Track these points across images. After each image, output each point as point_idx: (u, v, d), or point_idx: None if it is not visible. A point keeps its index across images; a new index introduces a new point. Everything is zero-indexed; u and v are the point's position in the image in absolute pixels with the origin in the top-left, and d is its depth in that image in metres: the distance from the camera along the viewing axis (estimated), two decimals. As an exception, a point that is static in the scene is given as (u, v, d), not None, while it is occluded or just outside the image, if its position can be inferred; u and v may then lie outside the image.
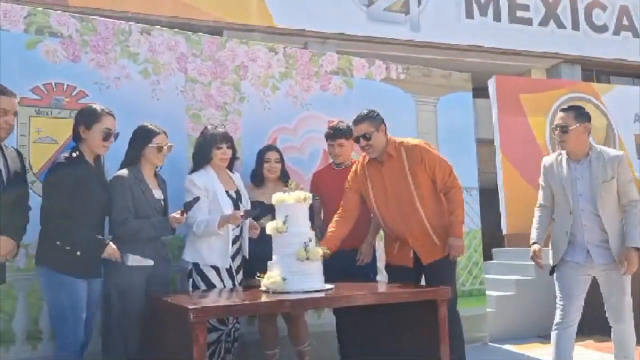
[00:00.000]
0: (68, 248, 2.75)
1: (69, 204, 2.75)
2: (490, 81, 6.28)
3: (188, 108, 3.84)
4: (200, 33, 4.11)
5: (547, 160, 3.52)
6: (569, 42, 11.46)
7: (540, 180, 3.55)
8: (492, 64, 10.58)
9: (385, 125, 3.36)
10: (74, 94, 3.47)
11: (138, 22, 3.97)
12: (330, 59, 4.48)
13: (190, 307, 2.34)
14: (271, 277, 2.84)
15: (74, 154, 2.86)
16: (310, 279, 2.87)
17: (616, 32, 11.86)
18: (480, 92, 6.18)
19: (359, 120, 3.33)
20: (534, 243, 3.48)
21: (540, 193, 3.54)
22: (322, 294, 2.82)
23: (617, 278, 3.24)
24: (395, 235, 3.41)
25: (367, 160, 3.43)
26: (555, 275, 3.41)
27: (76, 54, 3.52)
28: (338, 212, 3.44)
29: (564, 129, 3.33)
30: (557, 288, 3.39)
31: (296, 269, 2.84)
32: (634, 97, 6.99)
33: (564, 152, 3.41)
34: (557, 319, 3.33)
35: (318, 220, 3.74)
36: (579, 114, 3.40)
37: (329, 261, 3.50)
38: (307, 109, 4.29)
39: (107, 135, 2.93)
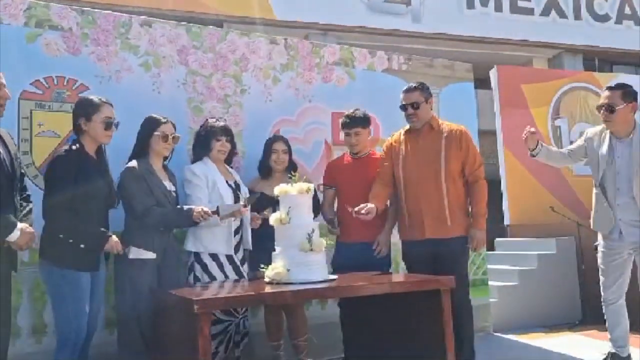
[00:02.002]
0: (71, 241, 2.75)
1: (70, 197, 2.74)
2: (492, 71, 6.26)
3: (189, 101, 3.83)
4: (200, 25, 4.09)
5: (590, 131, 3.51)
6: (570, 31, 11.43)
7: (579, 140, 3.57)
8: (494, 55, 10.55)
9: (432, 99, 3.55)
10: (75, 87, 3.46)
11: (139, 15, 3.95)
12: (331, 50, 4.46)
13: (195, 298, 2.35)
14: (275, 269, 2.84)
15: (73, 147, 2.85)
16: (314, 270, 2.86)
17: (618, 21, 11.81)
18: (481, 83, 6.17)
19: (410, 89, 3.48)
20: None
21: (574, 146, 3.61)
22: (325, 285, 2.82)
23: None
24: (410, 207, 3.44)
25: (405, 130, 3.55)
26: (597, 252, 3.53)
27: (76, 47, 3.50)
28: (377, 179, 3.53)
29: (610, 109, 3.24)
30: (599, 264, 3.51)
31: (300, 260, 2.84)
32: (636, 86, 6.93)
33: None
34: (602, 295, 3.52)
35: (330, 211, 3.68)
36: (626, 92, 3.30)
37: (342, 254, 3.52)
38: (309, 100, 4.28)
39: (109, 124, 2.91)
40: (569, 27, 11.44)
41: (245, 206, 3.19)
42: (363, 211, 3.27)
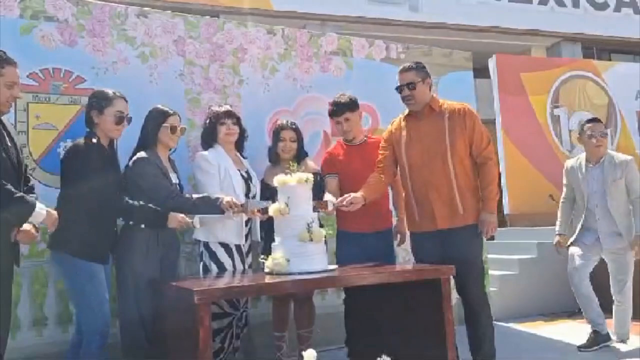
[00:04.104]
0: (131, 223, 2.87)
1: (94, 188, 2.73)
2: (490, 60, 6.25)
3: (187, 92, 3.82)
4: (197, 15, 4.07)
5: (568, 163, 4.27)
6: (569, 19, 11.37)
7: (563, 179, 4.26)
8: (492, 44, 10.50)
9: (431, 79, 3.31)
10: (71, 79, 3.45)
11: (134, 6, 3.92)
12: (329, 40, 4.44)
13: (195, 288, 2.34)
14: (274, 259, 2.83)
15: (94, 140, 2.85)
16: (314, 260, 2.85)
17: (617, 9, 11.76)
18: (480, 72, 6.14)
19: (405, 69, 3.27)
20: (557, 234, 4.20)
21: (564, 190, 4.27)
22: (325, 275, 2.81)
23: (624, 259, 3.97)
24: (418, 195, 3.23)
25: (405, 115, 3.35)
26: (569, 250, 4.11)
27: (72, 39, 3.48)
28: (375, 168, 3.34)
29: (603, 134, 4.09)
30: (568, 262, 4.08)
31: (299, 251, 2.82)
32: (635, 74, 6.97)
33: (582, 156, 4.16)
34: (575, 290, 4.06)
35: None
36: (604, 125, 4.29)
37: (345, 244, 3.48)
38: (307, 90, 4.26)
39: (120, 119, 2.91)
40: (567, 16, 11.38)
41: (260, 212, 3.15)
42: (345, 202, 3.13)
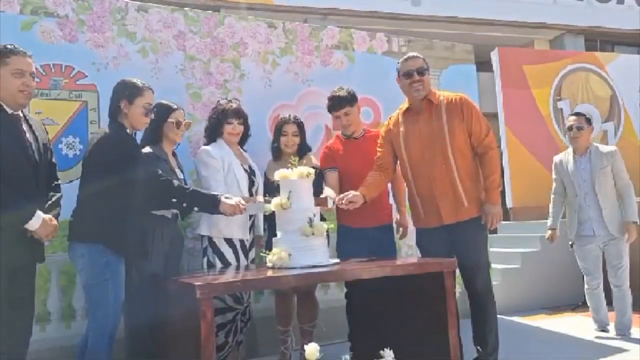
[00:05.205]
0: (185, 204, 2.85)
1: (133, 179, 2.69)
2: (493, 53, 6.21)
3: (188, 86, 3.81)
4: (197, 10, 4.05)
5: (557, 157, 4.40)
6: (572, 12, 11.32)
7: (553, 174, 4.38)
8: (495, 37, 10.46)
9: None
10: (72, 74, 3.44)
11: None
12: (330, 33, 4.42)
13: (197, 283, 2.34)
14: (276, 253, 2.83)
15: (127, 130, 2.82)
16: (316, 254, 2.83)
17: (620, 1, 11.69)
18: (483, 65, 6.11)
19: (413, 57, 3.24)
20: (549, 229, 4.35)
21: (554, 184, 4.36)
22: (327, 269, 2.81)
23: (615, 245, 4.10)
24: (421, 191, 3.21)
25: (402, 110, 3.30)
26: (574, 249, 4.28)
27: (73, 34, 3.48)
28: (374, 166, 3.31)
29: (579, 128, 4.20)
30: (577, 260, 4.30)
31: (301, 245, 2.81)
32: (638, 66, 6.92)
33: (570, 149, 4.30)
34: (585, 285, 4.30)
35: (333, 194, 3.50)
36: (588, 119, 4.30)
37: (346, 239, 3.47)
38: (308, 84, 4.25)
39: (148, 111, 2.87)
40: (570, 8, 11.32)
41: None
42: (344, 201, 3.09)
